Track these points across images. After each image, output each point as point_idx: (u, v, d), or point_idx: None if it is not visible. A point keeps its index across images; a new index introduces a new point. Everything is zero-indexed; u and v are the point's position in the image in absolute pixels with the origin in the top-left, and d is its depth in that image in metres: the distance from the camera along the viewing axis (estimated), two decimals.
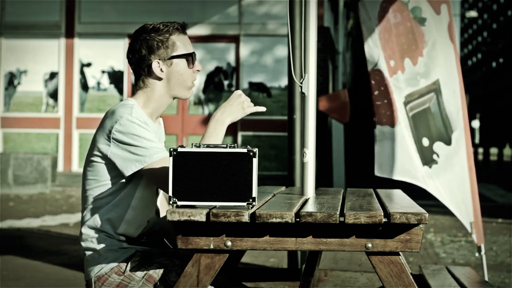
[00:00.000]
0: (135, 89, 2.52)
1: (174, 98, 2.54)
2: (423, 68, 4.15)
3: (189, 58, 2.50)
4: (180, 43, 2.49)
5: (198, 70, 2.55)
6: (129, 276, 2.40)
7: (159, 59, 2.46)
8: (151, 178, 2.38)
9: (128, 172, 2.36)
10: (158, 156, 2.34)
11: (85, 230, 2.44)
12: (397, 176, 4.09)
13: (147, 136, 2.36)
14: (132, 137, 2.36)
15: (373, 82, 4.14)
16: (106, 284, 2.40)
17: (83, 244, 2.44)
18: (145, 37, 2.47)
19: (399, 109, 4.11)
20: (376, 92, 4.15)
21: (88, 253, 2.43)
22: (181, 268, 2.42)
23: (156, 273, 2.40)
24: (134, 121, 2.37)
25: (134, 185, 2.43)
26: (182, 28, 2.52)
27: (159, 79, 2.48)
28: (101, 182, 2.42)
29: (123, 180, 2.41)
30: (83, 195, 2.48)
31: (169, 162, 2.12)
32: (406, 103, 4.15)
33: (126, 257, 2.41)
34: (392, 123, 4.11)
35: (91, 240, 2.42)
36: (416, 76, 4.15)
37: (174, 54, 2.47)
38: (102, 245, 2.41)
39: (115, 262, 2.40)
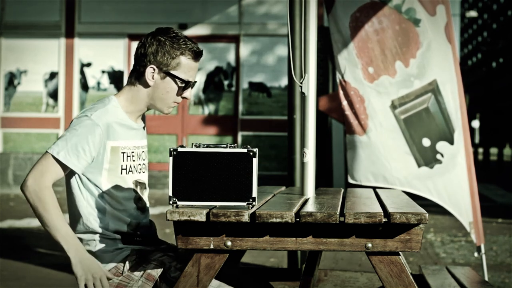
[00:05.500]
0: (127, 82, 2.50)
1: (149, 108, 2.49)
2: (416, 69, 4.18)
3: (183, 85, 2.44)
4: (185, 67, 2.42)
5: (185, 97, 2.49)
6: (127, 276, 2.40)
7: (156, 67, 2.42)
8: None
9: None
10: (59, 154, 2.32)
11: (78, 236, 2.43)
12: (369, 182, 4.17)
13: (77, 138, 2.33)
14: (70, 129, 2.36)
15: (341, 92, 4.23)
16: None
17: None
18: (160, 39, 2.43)
19: (375, 117, 4.18)
20: (344, 102, 4.25)
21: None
22: (178, 261, 2.42)
23: (155, 271, 2.39)
24: (83, 121, 2.35)
25: (85, 182, 2.44)
26: (196, 56, 2.44)
27: (147, 85, 2.44)
28: (70, 188, 2.48)
29: (74, 179, 2.44)
30: (68, 208, 2.52)
31: (170, 163, 2.13)
32: (395, 106, 4.19)
33: (122, 258, 2.41)
34: (360, 131, 4.21)
35: (86, 243, 2.43)
36: (409, 78, 4.19)
37: (172, 72, 2.42)
38: (97, 248, 2.42)
39: (113, 263, 2.40)
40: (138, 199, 2.51)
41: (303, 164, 2.80)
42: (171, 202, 2.12)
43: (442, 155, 4.20)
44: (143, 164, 2.55)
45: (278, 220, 2.05)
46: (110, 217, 2.42)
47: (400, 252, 2.13)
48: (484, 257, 4.36)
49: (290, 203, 2.37)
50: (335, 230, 2.11)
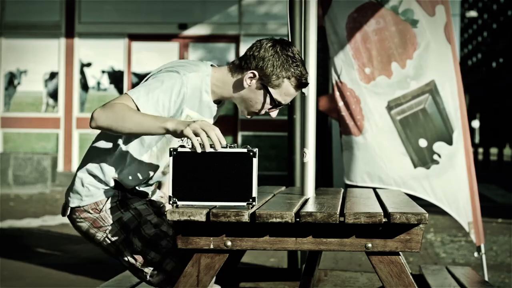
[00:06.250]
0: (231, 63, 2.44)
1: (231, 100, 2.46)
2: (413, 70, 4.19)
3: (274, 103, 2.41)
4: (283, 91, 2.38)
5: (268, 113, 2.45)
6: (104, 217, 2.42)
7: (258, 74, 2.36)
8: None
9: None
10: (138, 100, 2.25)
11: (78, 174, 2.45)
12: (365, 183, 4.18)
13: (161, 91, 2.27)
14: (156, 79, 2.31)
15: (337, 93, 4.24)
16: (81, 216, 2.44)
17: (72, 185, 2.46)
18: (277, 51, 2.36)
19: (370, 117, 4.20)
20: (340, 103, 4.27)
21: (73, 185, 2.45)
22: (157, 217, 2.44)
23: (131, 222, 2.41)
24: (173, 76, 2.29)
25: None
26: (300, 86, 2.40)
27: (242, 83, 2.40)
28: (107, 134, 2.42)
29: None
30: (90, 149, 2.48)
31: (170, 163, 2.12)
32: (391, 107, 4.21)
33: (105, 196, 2.42)
34: (356, 132, 4.23)
35: (80, 178, 2.44)
36: (405, 79, 4.20)
37: (270, 89, 2.37)
38: (87, 181, 2.43)
39: (95, 199, 2.42)
40: (167, 165, 2.48)
41: (303, 164, 2.80)
42: (171, 202, 2.12)
43: (439, 156, 4.21)
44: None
45: (278, 220, 2.05)
46: (121, 176, 2.42)
47: (400, 252, 2.13)
48: (484, 257, 4.36)
49: (290, 203, 2.37)
50: (335, 230, 2.11)
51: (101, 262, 5.34)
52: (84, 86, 12.98)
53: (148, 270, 2.42)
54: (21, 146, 12.95)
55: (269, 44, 2.38)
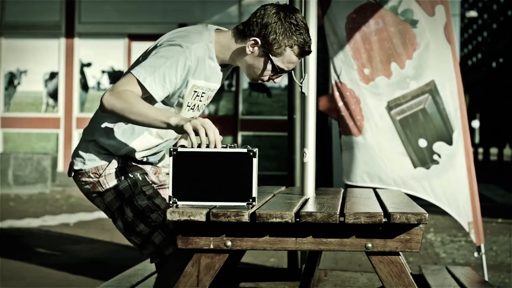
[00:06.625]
0: (235, 28, 2.43)
1: (237, 65, 2.45)
2: (412, 70, 4.20)
3: (276, 70, 2.39)
4: (286, 59, 2.36)
5: (272, 80, 2.44)
6: (102, 182, 2.45)
7: (260, 43, 2.35)
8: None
9: None
10: (145, 80, 2.25)
11: (84, 136, 2.50)
12: (365, 183, 4.19)
13: (167, 68, 2.27)
14: (159, 55, 2.30)
15: (337, 93, 4.24)
16: (83, 180, 2.48)
17: (78, 147, 2.50)
18: (281, 18, 2.33)
19: (370, 118, 4.20)
20: (340, 104, 4.28)
21: (78, 148, 2.50)
22: (150, 188, 2.47)
23: (126, 191, 2.44)
24: (176, 51, 2.29)
25: None
26: (302, 54, 2.37)
27: (244, 50, 2.38)
28: None
29: None
30: (96, 115, 2.52)
31: (170, 163, 2.13)
32: (391, 108, 4.21)
33: (106, 161, 2.46)
34: (356, 132, 4.24)
35: (85, 141, 2.49)
36: (405, 79, 4.20)
37: (271, 56, 2.36)
38: (91, 145, 2.47)
39: (96, 163, 2.45)
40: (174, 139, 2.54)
41: (303, 164, 2.79)
42: (171, 202, 2.12)
43: (439, 156, 4.21)
44: (205, 104, 2.55)
45: (278, 220, 2.05)
46: (127, 144, 2.45)
47: (400, 252, 2.13)
48: (484, 257, 4.36)
49: (290, 203, 2.37)
50: (335, 230, 2.11)
51: (101, 262, 5.34)
52: (84, 86, 12.98)
53: (138, 240, 2.45)
54: (21, 146, 12.95)
55: (273, 11, 2.35)
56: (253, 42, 2.36)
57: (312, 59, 2.82)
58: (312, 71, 2.81)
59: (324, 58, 4.59)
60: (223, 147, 2.12)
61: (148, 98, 2.30)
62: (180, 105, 2.43)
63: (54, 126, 12.93)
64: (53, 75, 13.00)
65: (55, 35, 12.93)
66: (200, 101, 2.48)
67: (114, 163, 2.46)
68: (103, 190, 2.46)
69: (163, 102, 2.41)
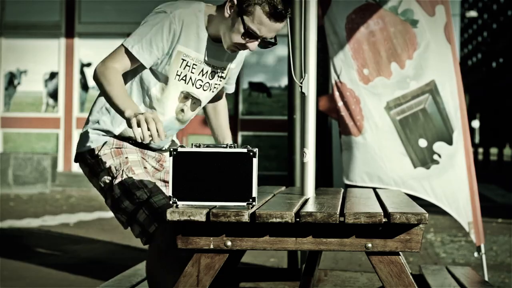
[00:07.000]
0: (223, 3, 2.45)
1: (212, 35, 2.46)
2: (413, 70, 4.20)
3: (248, 32, 2.37)
4: (257, 20, 2.34)
5: (247, 47, 2.42)
6: (98, 162, 2.50)
7: (236, 3, 2.36)
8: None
9: None
10: (132, 48, 2.35)
11: (89, 118, 2.56)
12: (364, 183, 4.19)
13: (152, 34, 2.35)
14: (147, 23, 2.38)
15: (337, 93, 4.25)
16: (82, 161, 2.56)
17: (82, 132, 2.57)
18: None
19: (370, 118, 4.21)
20: (340, 103, 4.29)
21: (82, 133, 2.57)
22: (141, 168, 2.49)
23: (117, 169, 2.46)
24: (161, 18, 2.36)
25: (138, 76, 2.48)
26: (274, 15, 2.32)
27: (224, 14, 2.40)
28: None
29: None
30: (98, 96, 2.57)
31: (170, 163, 2.13)
32: (391, 108, 4.21)
33: (102, 142, 2.51)
34: (356, 132, 4.24)
35: (87, 125, 2.55)
36: (405, 79, 4.20)
37: (244, 17, 2.35)
38: (92, 127, 2.53)
39: (94, 145, 2.51)
40: (181, 110, 2.56)
41: (303, 164, 2.79)
42: (171, 202, 2.12)
43: (439, 156, 4.21)
44: (208, 83, 2.54)
45: (278, 220, 2.05)
46: (124, 125, 2.50)
47: (400, 252, 2.13)
48: (484, 257, 4.36)
49: (290, 203, 2.37)
50: (335, 230, 2.11)
51: (101, 262, 5.34)
52: (84, 86, 12.98)
53: (123, 218, 2.47)
54: (21, 146, 12.95)
55: None
56: (230, 4, 2.39)
57: (312, 59, 2.82)
58: (312, 71, 2.81)
59: (324, 58, 4.59)
60: (223, 147, 2.12)
61: (140, 66, 2.40)
62: (168, 73, 2.45)
63: (54, 126, 12.93)
64: (53, 75, 13.00)
65: (55, 35, 12.93)
66: (192, 73, 2.47)
67: (109, 144, 2.51)
68: (99, 170, 2.50)
69: (153, 72, 2.45)
